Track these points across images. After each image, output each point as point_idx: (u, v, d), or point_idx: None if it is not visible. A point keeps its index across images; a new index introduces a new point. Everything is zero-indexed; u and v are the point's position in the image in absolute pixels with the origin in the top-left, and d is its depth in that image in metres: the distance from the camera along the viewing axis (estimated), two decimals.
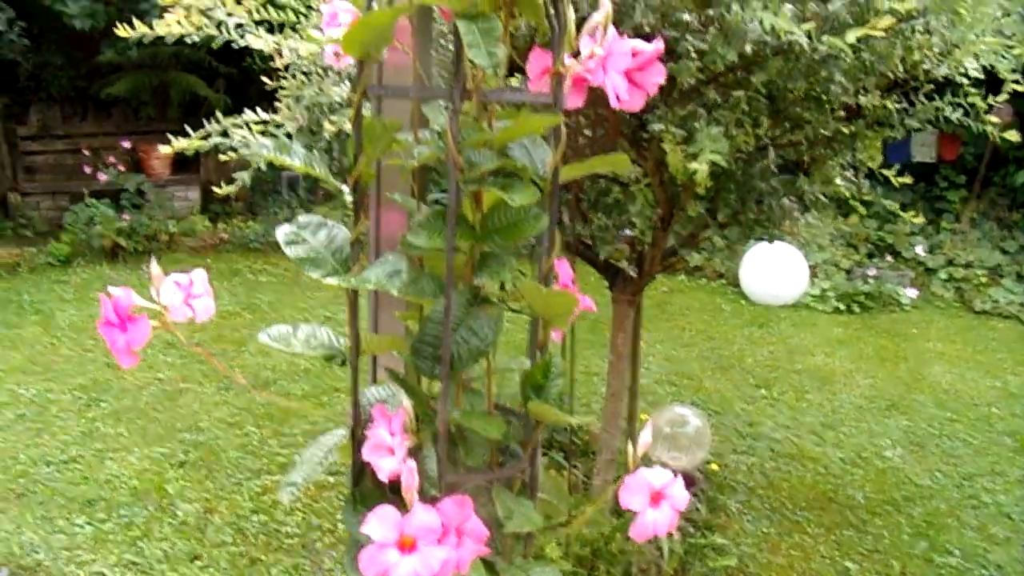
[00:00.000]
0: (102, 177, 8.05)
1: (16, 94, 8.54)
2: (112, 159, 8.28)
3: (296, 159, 1.22)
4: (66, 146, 8.70)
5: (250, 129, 2.30)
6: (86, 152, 8.49)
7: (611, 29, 1.20)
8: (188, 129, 2.35)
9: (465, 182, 1.12)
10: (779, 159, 2.42)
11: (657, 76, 1.22)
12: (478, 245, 1.18)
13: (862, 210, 6.91)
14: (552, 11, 1.13)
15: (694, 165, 1.76)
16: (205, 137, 2.35)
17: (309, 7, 2.19)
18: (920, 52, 2.27)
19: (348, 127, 2.09)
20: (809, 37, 1.81)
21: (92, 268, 7.22)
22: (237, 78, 8.31)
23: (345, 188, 1.23)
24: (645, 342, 5.66)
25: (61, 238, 7.46)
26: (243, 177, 2.48)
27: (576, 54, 1.17)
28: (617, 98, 1.11)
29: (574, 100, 1.18)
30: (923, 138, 8.12)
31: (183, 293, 1.26)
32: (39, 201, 8.42)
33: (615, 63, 1.13)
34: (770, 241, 2.49)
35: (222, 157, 2.44)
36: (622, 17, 1.94)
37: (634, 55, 1.21)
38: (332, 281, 1.18)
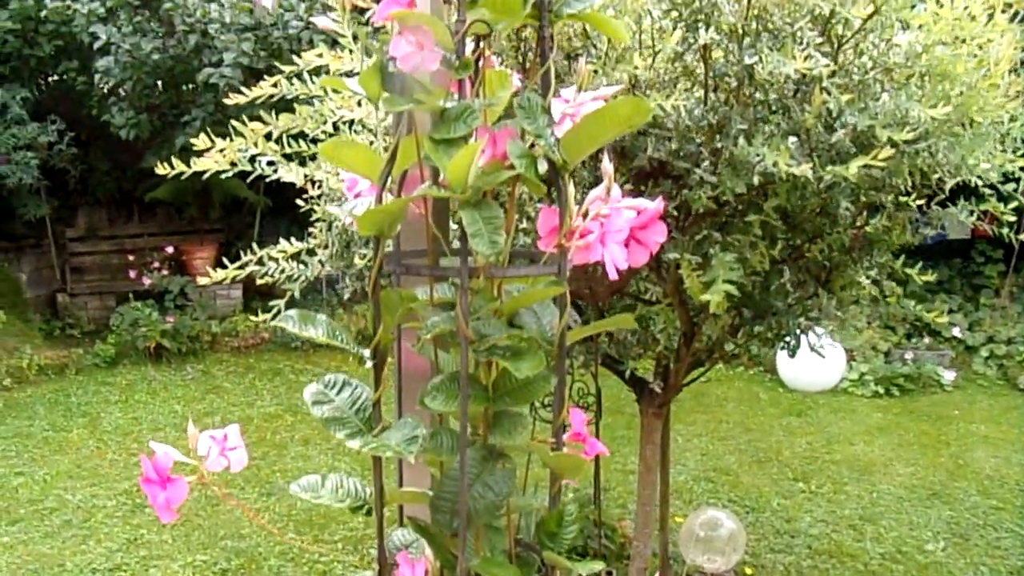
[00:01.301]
0: (146, 281, 8.28)
1: (65, 198, 8.87)
2: (155, 263, 8.52)
3: (319, 329, 1.30)
4: (112, 247, 8.98)
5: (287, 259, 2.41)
6: (130, 257, 8.74)
7: (615, 190, 1.28)
8: (225, 260, 2.47)
9: (476, 352, 1.19)
10: (798, 271, 2.47)
11: (659, 235, 1.30)
12: (491, 407, 1.25)
13: (898, 290, 6.90)
14: (554, 185, 1.21)
15: (706, 296, 1.82)
16: (242, 267, 2.46)
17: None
18: (929, 167, 2.33)
19: None
20: (813, 168, 1.88)
21: (137, 369, 7.38)
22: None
23: (366, 353, 1.31)
24: (682, 436, 5.66)
25: (107, 339, 7.65)
26: (292, 289, 2.57)
27: (585, 214, 1.25)
28: (616, 269, 1.19)
29: (581, 258, 1.25)
30: (961, 205, 8.10)
31: (219, 446, 1.35)
32: (87, 301, 8.66)
33: (614, 236, 1.21)
34: (791, 355, 2.53)
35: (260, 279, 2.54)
36: (634, 151, 2.03)
37: (637, 213, 1.29)
38: (355, 444, 1.25)
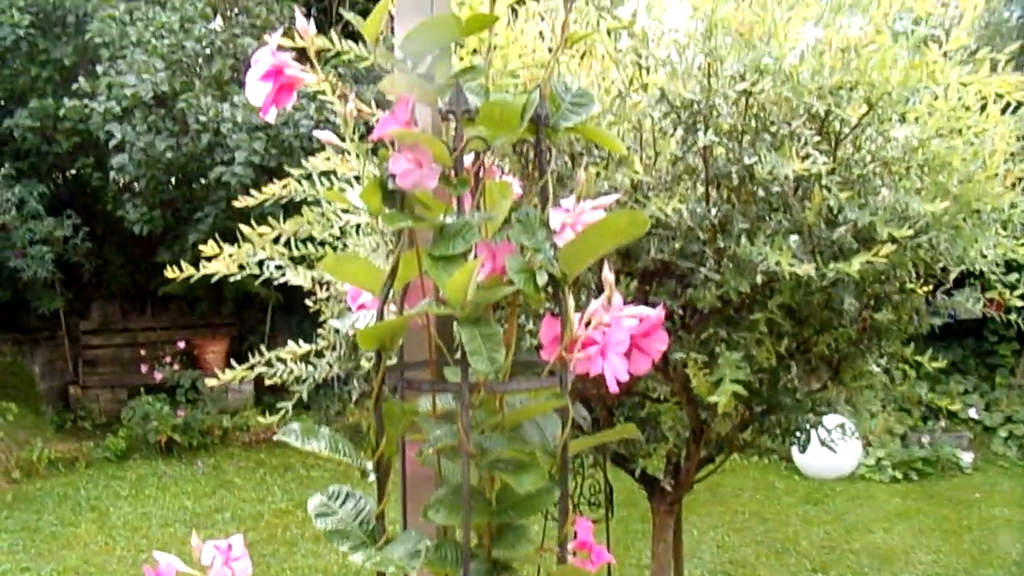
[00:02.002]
0: (158, 375, 8.29)
1: (79, 291, 8.95)
2: (167, 357, 8.54)
3: (321, 443, 1.30)
4: (125, 340, 9.02)
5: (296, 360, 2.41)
6: (143, 350, 8.77)
7: (616, 298, 1.29)
8: (234, 363, 2.47)
9: (478, 466, 1.18)
10: (806, 365, 2.46)
11: (661, 343, 1.30)
12: (494, 520, 1.24)
13: (911, 374, 6.84)
14: (553, 299, 1.22)
15: (714, 398, 1.81)
16: (251, 368, 2.46)
17: (344, 243, 2.33)
18: (931, 259, 2.33)
19: None
20: (816, 266, 1.88)
21: (148, 463, 7.35)
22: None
23: (369, 465, 1.30)
24: (696, 528, 5.57)
25: (118, 433, 7.63)
26: (300, 391, 2.57)
27: (588, 323, 1.26)
28: (616, 381, 1.19)
29: (583, 368, 1.25)
30: (966, 294, 8.08)
31: (223, 556, 1.34)
32: (99, 394, 8.66)
33: (614, 348, 1.21)
34: (802, 450, 2.50)
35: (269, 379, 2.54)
36: (638, 251, 2.04)
37: (639, 321, 1.29)
38: (358, 558, 1.24)
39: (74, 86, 7.65)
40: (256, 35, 7.74)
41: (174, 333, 8.95)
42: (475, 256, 1.18)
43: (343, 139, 1.43)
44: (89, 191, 8.40)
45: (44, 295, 8.29)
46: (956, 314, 8.10)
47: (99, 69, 7.57)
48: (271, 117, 1.33)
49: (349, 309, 1.43)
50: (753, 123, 2.08)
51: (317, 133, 1.45)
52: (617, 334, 1.22)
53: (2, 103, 8.24)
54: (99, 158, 7.98)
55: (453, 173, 1.17)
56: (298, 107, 6.91)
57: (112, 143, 7.34)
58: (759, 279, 1.91)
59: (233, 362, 2.51)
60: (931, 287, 2.65)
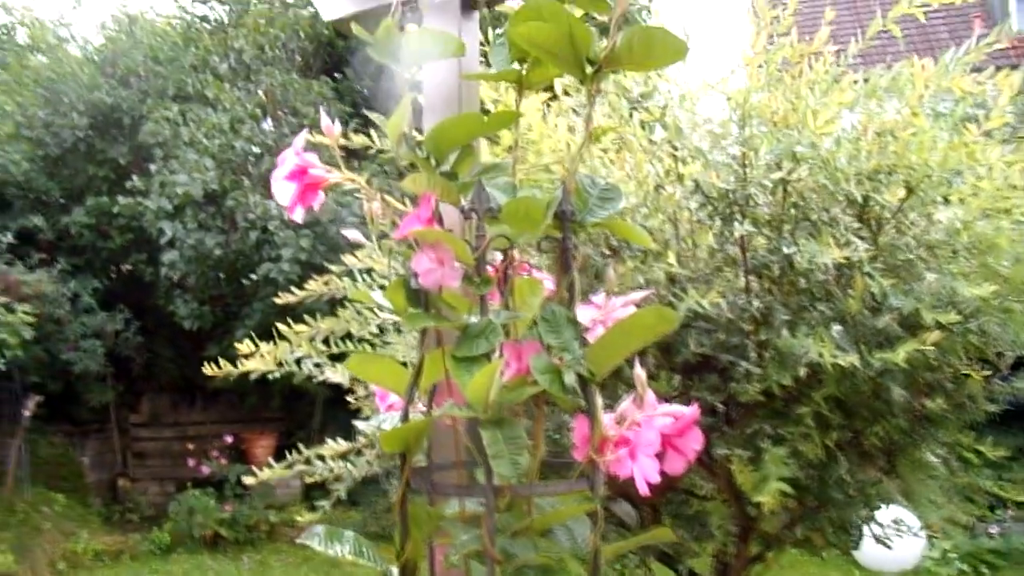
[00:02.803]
0: (205, 469, 8.29)
1: (130, 384, 9.05)
2: (215, 451, 8.55)
3: (345, 547, 1.26)
4: (174, 433, 9.07)
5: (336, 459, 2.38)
6: (190, 446, 8.79)
7: (649, 395, 1.24)
8: (271, 461, 2.45)
9: (504, 573, 1.13)
10: (856, 459, 2.37)
11: (695, 442, 1.25)
12: None
13: (975, 460, 6.60)
14: (583, 398, 1.18)
15: (760, 497, 1.74)
16: (289, 466, 2.43)
17: (384, 340, 2.31)
18: (984, 344, 2.26)
19: None
20: (861, 356, 1.82)
21: (193, 557, 7.29)
22: None
23: (394, 570, 1.26)
24: None
25: (163, 526, 7.61)
26: (339, 491, 2.53)
27: (621, 420, 1.22)
28: (647, 483, 1.14)
29: (615, 469, 1.20)
30: None
31: None
32: (147, 487, 8.69)
33: (644, 450, 1.16)
34: (855, 547, 2.39)
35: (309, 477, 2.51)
36: (677, 345, 2.00)
37: (673, 419, 1.25)
38: None
39: (128, 184, 7.88)
40: None
41: (223, 427, 8.97)
42: (500, 356, 1.15)
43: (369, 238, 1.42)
44: (141, 286, 8.57)
45: (95, 388, 8.41)
46: (1017, 399, 7.79)
47: (152, 168, 7.79)
48: (298, 216, 1.33)
49: (377, 409, 1.40)
50: (791, 211, 2.05)
51: (345, 231, 1.44)
52: (647, 434, 1.17)
53: (61, 201, 8.49)
54: (151, 254, 8.16)
55: (476, 272, 1.15)
56: (344, 203, 7.03)
57: (163, 240, 7.50)
58: (803, 371, 1.85)
59: (271, 460, 2.49)
60: (987, 372, 2.56)
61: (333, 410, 8.61)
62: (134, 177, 7.90)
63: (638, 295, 1.34)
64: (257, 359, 2.33)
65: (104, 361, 7.95)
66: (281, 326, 2.31)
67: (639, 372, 1.22)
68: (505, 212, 1.17)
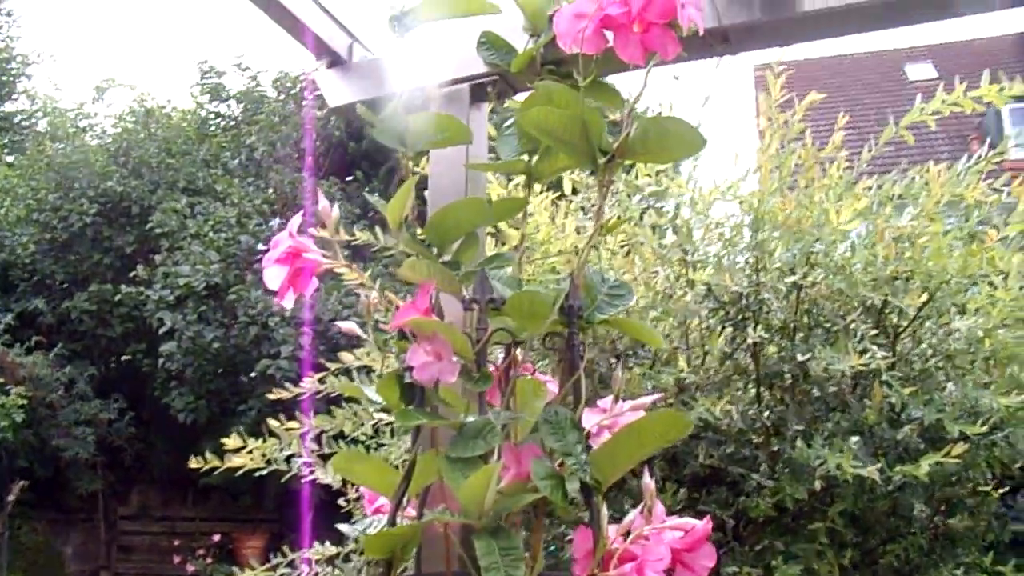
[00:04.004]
0: (190, 568, 8.04)
1: (120, 474, 8.85)
2: (202, 550, 8.30)
3: None
4: (162, 528, 8.84)
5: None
6: (176, 542, 8.55)
7: (657, 506, 1.15)
8: (254, 564, 2.33)
9: None
10: None
11: (708, 559, 1.16)
12: None
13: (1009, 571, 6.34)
14: (585, 508, 1.09)
15: None
16: (272, 568, 2.32)
17: (379, 442, 2.22)
18: (1008, 457, 2.16)
19: None
20: (880, 469, 1.73)
21: None
22: None
23: None
24: None
25: None
26: None
27: (626, 534, 1.12)
28: None
29: None
30: None
31: None
32: None
33: (653, 566, 1.07)
34: None
35: None
36: (686, 457, 1.91)
37: (683, 534, 1.15)
38: None
39: (132, 273, 7.86)
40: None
41: (213, 525, 8.71)
42: (498, 459, 1.07)
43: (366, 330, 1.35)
44: (138, 376, 8.46)
45: (84, 476, 8.22)
46: None
47: (157, 259, 7.79)
48: (288, 303, 1.26)
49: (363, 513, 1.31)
50: (804, 319, 1.98)
51: (339, 324, 1.37)
52: (657, 549, 1.08)
53: (64, 286, 8.46)
54: (150, 344, 8.08)
55: (475, 367, 1.08)
56: (347, 304, 6.98)
57: (163, 330, 7.44)
58: (818, 484, 1.76)
59: (253, 563, 2.37)
60: (1009, 488, 2.46)
61: (327, 514, 8.38)
62: (139, 266, 7.89)
63: (648, 399, 1.26)
64: (244, 455, 2.23)
65: (95, 449, 7.80)
66: (272, 422, 2.23)
67: (648, 482, 1.14)
68: (509, 305, 1.10)
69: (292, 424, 2.21)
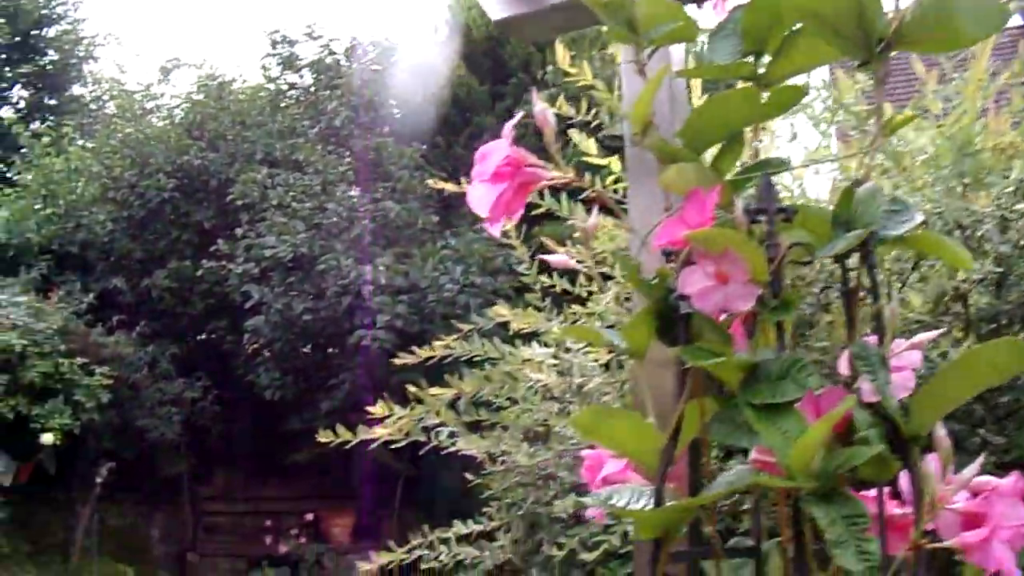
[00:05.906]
0: (282, 548, 7.95)
1: (204, 455, 8.77)
2: (294, 529, 8.21)
3: None
4: (247, 508, 8.74)
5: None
6: (267, 520, 8.47)
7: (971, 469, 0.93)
8: (393, 545, 2.15)
9: None
10: None
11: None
12: None
13: None
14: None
15: None
16: (409, 551, 2.13)
17: (526, 408, 2.02)
18: None
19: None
20: None
21: None
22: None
23: None
24: None
25: None
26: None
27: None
28: None
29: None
30: None
31: None
32: (217, 563, 8.35)
33: (1002, 533, 0.85)
34: None
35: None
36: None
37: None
38: None
39: (212, 248, 7.75)
40: (398, 199, 7.71)
41: (298, 504, 8.61)
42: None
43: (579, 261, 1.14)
44: (220, 354, 8.35)
45: (169, 457, 8.15)
46: None
47: (238, 232, 7.66)
48: (497, 231, 1.05)
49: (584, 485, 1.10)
50: None
51: (548, 258, 1.16)
52: (1006, 508, 0.86)
53: (142, 264, 8.38)
54: (233, 321, 7.96)
55: (771, 293, 0.86)
56: (442, 270, 6.76)
57: (248, 304, 7.30)
58: None
59: (392, 544, 2.19)
60: None
61: (411, 489, 8.21)
62: (219, 241, 7.76)
63: (931, 334, 1.04)
64: (384, 426, 2.04)
65: (180, 430, 7.71)
66: (413, 388, 2.03)
67: (942, 433, 0.91)
68: (801, 216, 0.88)
69: (438, 389, 2.01)
